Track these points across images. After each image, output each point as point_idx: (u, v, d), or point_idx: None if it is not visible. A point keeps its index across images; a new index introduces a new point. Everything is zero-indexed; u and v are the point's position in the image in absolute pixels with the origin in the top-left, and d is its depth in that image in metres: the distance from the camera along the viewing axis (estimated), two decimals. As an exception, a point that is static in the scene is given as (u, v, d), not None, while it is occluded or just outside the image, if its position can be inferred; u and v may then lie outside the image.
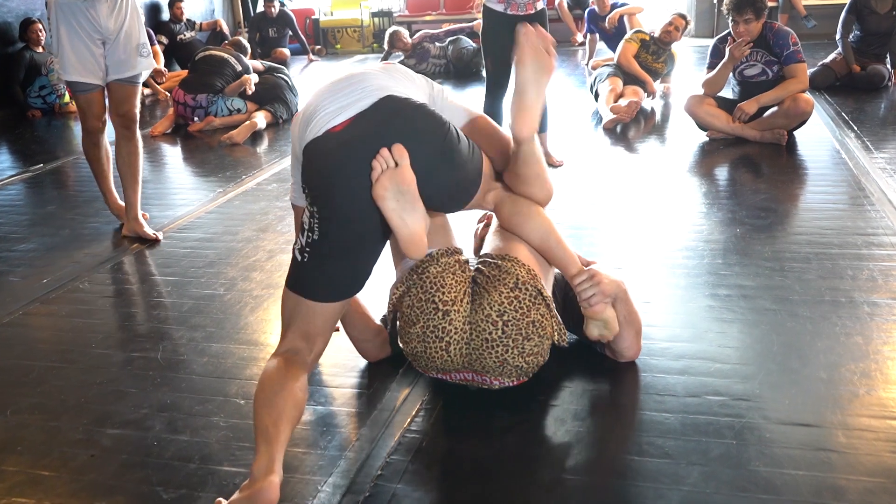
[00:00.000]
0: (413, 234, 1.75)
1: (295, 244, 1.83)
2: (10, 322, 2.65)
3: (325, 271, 1.80)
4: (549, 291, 2.01)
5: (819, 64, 6.19)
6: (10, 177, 4.76)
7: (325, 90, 1.87)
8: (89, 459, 1.89)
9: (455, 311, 1.88)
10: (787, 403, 1.97)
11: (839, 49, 6.16)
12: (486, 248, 2.07)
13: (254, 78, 5.92)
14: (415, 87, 1.92)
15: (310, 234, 1.77)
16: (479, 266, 1.97)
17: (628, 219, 3.47)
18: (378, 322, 2.26)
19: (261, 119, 5.69)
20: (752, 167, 4.31)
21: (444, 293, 1.88)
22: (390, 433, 1.94)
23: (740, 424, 1.89)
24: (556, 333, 1.96)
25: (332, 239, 1.77)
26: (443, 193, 1.87)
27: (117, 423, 2.04)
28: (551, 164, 4.35)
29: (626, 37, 5.94)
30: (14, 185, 4.60)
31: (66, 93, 6.80)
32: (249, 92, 5.87)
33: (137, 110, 3.38)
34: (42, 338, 2.30)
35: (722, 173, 4.29)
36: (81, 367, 2.31)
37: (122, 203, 3.55)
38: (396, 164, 1.69)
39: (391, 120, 1.73)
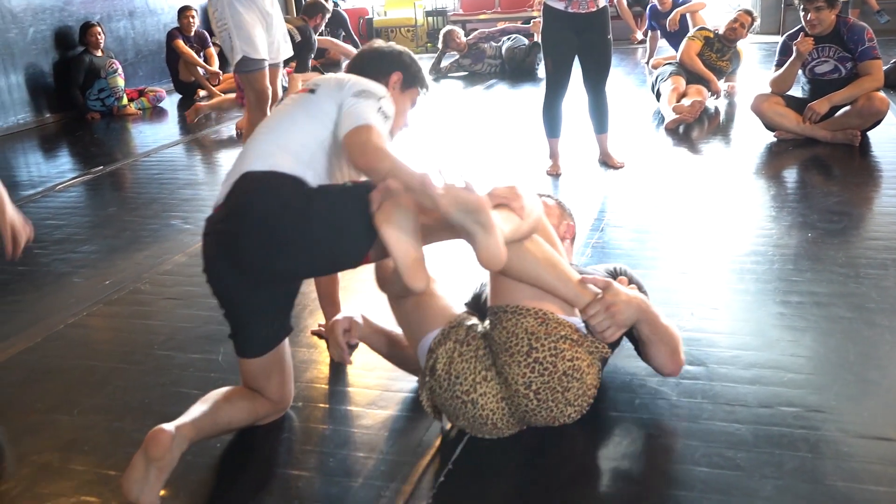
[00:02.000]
0: (415, 259, 1.64)
1: None
2: (74, 323, 2.71)
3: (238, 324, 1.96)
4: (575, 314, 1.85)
5: (893, 61, 5.95)
6: (71, 179, 4.88)
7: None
8: (152, 460, 1.91)
9: (481, 395, 1.78)
10: (865, 416, 1.88)
11: (915, 45, 5.92)
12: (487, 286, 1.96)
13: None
14: (319, 115, 1.89)
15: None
16: (491, 331, 1.82)
17: (693, 222, 3.38)
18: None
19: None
20: (824, 169, 4.16)
21: (461, 384, 1.79)
22: (454, 439, 1.91)
23: (815, 437, 1.81)
24: (594, 356, 1.82)
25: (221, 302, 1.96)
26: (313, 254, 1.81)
27: (179, 424, 2.05)
28: (612, 166, 4.28)
29: (690, 34, 5.82)
30: (75, 188, 4.72)
31: (125, 95, 6.97)
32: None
33: (280, 91, 4.02)
34: (105, 339, 2.34)
35: (791, 175, 4.15)
36: (144, 369, 2.35)
37: None
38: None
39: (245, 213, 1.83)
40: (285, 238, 1.76)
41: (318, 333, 2.49)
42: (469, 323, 1.87)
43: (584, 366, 1.79)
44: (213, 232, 1.88)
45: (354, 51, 6.13)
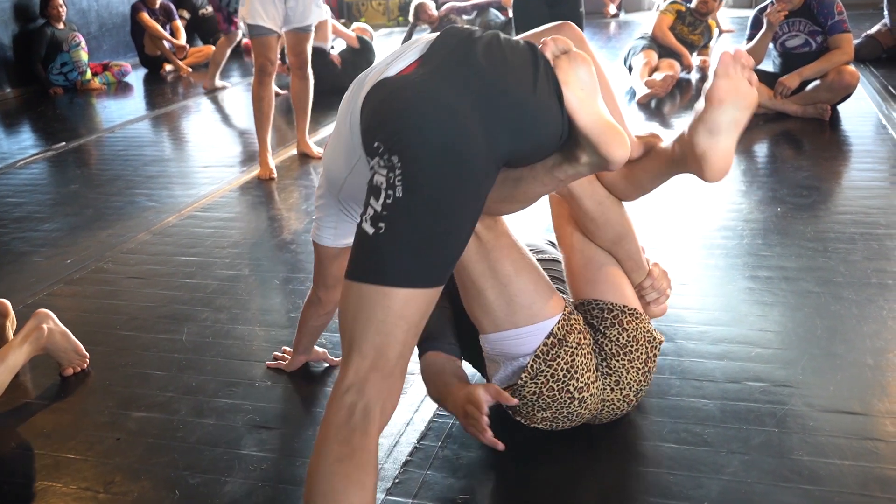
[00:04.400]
0: (612, 128, 1.30)
1: (363, 216, 1.30)
2: (34, 303, 2.64)
3: (416, 239, 1.26)
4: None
5: (864, 35, 5.97)
6: (32, 155, 4.77)
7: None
8: (115, 443, 1.87)
9: (590, 395, 1.68)
10: (831, 390, 1.89)
11: (885, 19, 5.94)
12: (573, 262, 1.81)
13: None
14: None
15: (388, 194, 1.26)
16: (601, 327, 1.72)
17: (663, 198, 3.36)
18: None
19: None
20: (794, 143, 4.18)
21: (577, 379, 1.66)
22: (420, 418, 1.89)
23: (782, 412, 1.82)
24: (656, 349, 1.77)
25: (428, 185, 1.25)
26: (533, 138, 1.34)
27: (143, 406, 2.02)
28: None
29: (661, 7, 5.78)
30: (37, 164, 4.60)
31: (88, 69, 6.80)
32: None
33: (309, 54, 3.96)
34: (66, 319, 2.28)
35: (762, 150, 4.15)
36: (106, 350, 2.30)
37: (269, 155, 4.01)
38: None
39: (469, 42, 1.33)
40: (536, 84, 1.33)
41: (280, 359, 2.19)
42: (576, 313, 1.72)
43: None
44: (432, 73, 1.35)
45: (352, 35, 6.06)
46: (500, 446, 1.57)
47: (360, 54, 6.07)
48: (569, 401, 1.66)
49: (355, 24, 6.59)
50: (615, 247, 1.77)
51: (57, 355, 2.18)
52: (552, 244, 2.10)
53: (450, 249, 1.31)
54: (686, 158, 1.44)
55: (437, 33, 1.38)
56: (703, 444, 1.73)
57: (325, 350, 2.17)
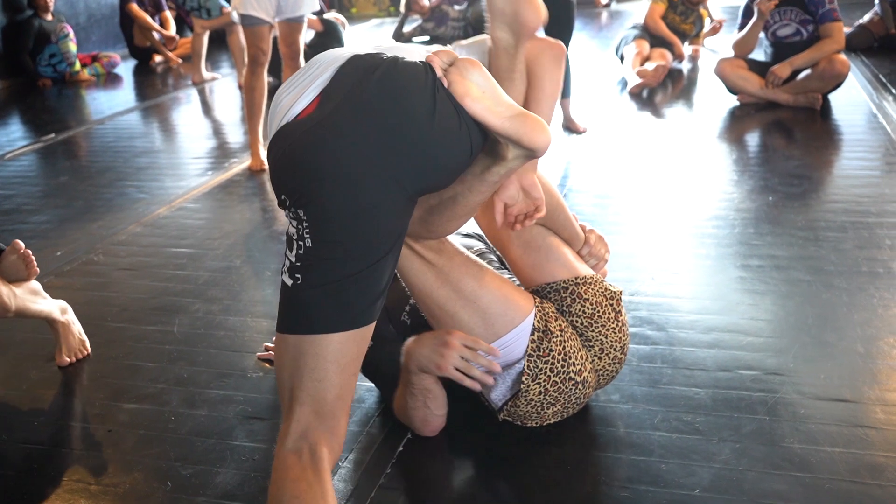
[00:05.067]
0: (527, 118, 1.30)
1: (282, 270, 1.35)
2: (27, 295, 2.63)
3: (332, 285, 1.29)
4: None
5: (856, 24, 5.99)
6: (21, 147, 4.73)
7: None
8: (106, 434, 1.87)
9: (590, 373, 1.72)
10: (822, 378, 1.90)
11: (877, 8, 5.95)
12: (515, 248, 1.79)
13: None
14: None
15: (299, 245, 1.31)
16: (564, 307, 1.73)
17: (655, 187, 3.37)
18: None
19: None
20: (785, 132, 4.18)
21: (574, 364, 1.68)
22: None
23: (773, 400, 1.82)
24: (618, 301, 1.79)
25: (334, 234, 1.29)
26: (441, 167, 1.34)
27: (134, 397, 2.01)
28: (575, 131, 4.26)
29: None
30: (26, 156, 4.57)
31: (77, 61, 6.76)
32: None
33: (302, 44, 3.95)
34: (58, 311, 2.30)
35: (753, 139, 4.16)
36: (97, 342, 2.28)
37: (260, 146, 3.95)
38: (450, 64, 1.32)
39: (365, 80, 1.29)
40: (433, 109, 1.32)
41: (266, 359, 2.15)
42: (546, 301, 1.74)
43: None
44: (330, 118, 1.33)
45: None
46: (498, 368, 1.63)
47: (326, 36, 6.03)
48: (573, 387, 1.69)
49: (331, 14, 6.56)
50: (548, 221, 1.76)
51: (65, 338, 2.19)
52: (480, 237, 2.06)
53: (370, 289, 1.32)
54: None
55: (337, 63, 1.34)
56: (694, 433, 1.73)
57: None
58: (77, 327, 2.23)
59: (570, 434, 1.76)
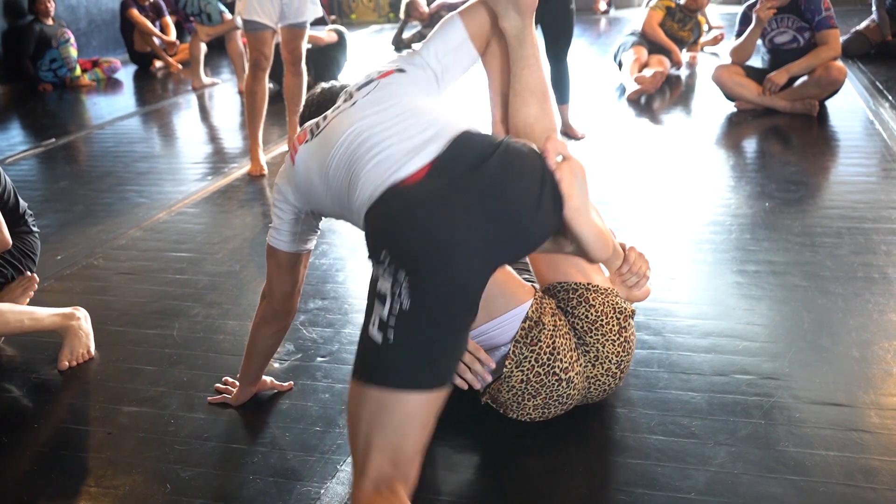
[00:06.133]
0: (602, 236, 1.42)
1: (369, 323, 1.36)
2: (27, 299, 2.64)
3: (423, 349, 1.33)
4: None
5: (852, 31, 6.02)
6: (22, 152, 4.75)
7: (347, 112, 1.54)
8: (106, 437, 1.88)
9: (576, 374, 1.72)
10: (817, 382, 1.91)
11: (873, 15, 5.98)
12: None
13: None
14: (425, 79, 1.63)
15: (396, 304, 1.32)
16: (569, 308, 1.75)
17: (653, 193, 3.39)
18: None
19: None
20: (782, 139, 4.20)
21: (561, 360, 1.70)
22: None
23: (769, 404, 1.83)
24: (628, 319, 1.79)
25: (434, 304, 1.33)
26: (529, 250, 1.46)
27: (134, 400, 2.02)
28: (573, 137, 4.27)
29: (651, 4, 5.80)
30: (26, 160, 4.59)
31: (77, 66, 6.78)
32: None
33: (304, 49, 4.00)
34: (59, 315, 2.31)
35: (750, 145, 4.18)
36: (97, 345, 2.29)
37: (260, 151, 4.03)
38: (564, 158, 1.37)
39: (485, 162, 1.35)
40: (542, 195, 1.38)
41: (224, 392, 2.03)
42: (547, 297, 1.76)
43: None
44: (446, 198, 1.38)
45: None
46: (488, 378, 1.69)
47: (339, 47, 6.07)
48: (556, 383, 1.70)
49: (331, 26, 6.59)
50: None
51: (70, 343, 2.22)
52: None
53: (454, 356, 1.39)
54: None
55: (448, 133, 1.41)
56: (690, 436, 1.74)
57: (272, 378, 2.03)
58: (84, 334, 2.26)
59: (567, 437, 1.77)
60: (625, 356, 1.78)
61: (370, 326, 1.35)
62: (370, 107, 1.52)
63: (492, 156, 1.35)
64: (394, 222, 1.34)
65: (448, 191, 1.33)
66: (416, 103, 1.52)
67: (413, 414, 1.33)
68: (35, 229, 2.57)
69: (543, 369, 1.69)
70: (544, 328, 1.69)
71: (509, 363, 1.69)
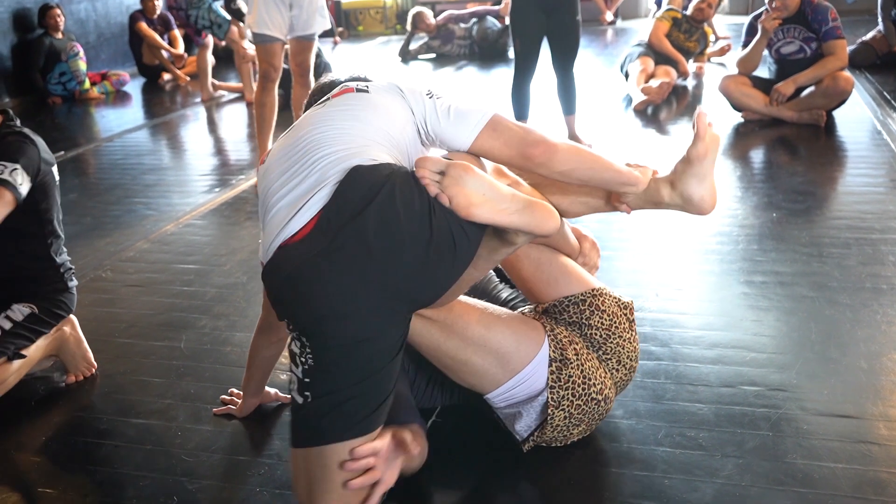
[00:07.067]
0: (534, 208, 1.38)
1: (291, 385, 1.42)
2: (36, 311, 2.65)
3: (339, 401, 1.37)
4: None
5: (859, 41, 6.01)
6: (37, 165, 4.77)
7: (275, 153, 1.53)
8: (114, 450, 1.88)
9: (608, 389, 1.72)
10: (825, 394, 1.90)
11: (880, 26, 5.98)
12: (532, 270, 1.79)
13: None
14: (395, 107, 1.57)
15: (303, 362, 1.39)
16: (583, 320, 1.73)
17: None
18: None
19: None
20: (789, 149, 4.19)
21: (594, 384, 1.68)
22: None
23: (777, 415, 1.83)
24: (630, 310, 1.81)
25: (336, 360, 1.37)
26: (442, 285, 1.41)
27: (141, 413, 2.02)
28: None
29: (658, 14, 5.82)
30: (41, 174, 4.60)
31: (86, 79, 6.83)
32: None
33: (312, 62, 4.03)
34: (67, 327, 2.32)
35: (757, 156, 4.17)
36: (105, 357, 2.30)
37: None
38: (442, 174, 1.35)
39: (364, 213, 1.31)
40: (430, 239, 1.37)
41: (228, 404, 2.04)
42: (553, 323, 1.73)
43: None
44: (326, 258, 1.37)
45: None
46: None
47: None
48: (595, 406, 1.70)
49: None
50: (552, 241, 1.79)
51: (66, 359, 2.21)
52: None
53: (375, 398, 1.41)
54: (679, 205, 1.78)
55: (335, 175, 1.37)
56: (697, 448, 1.74)
57: (276, 390, 2.04)
58: (75, 339, 2.22)
59: (574, 450, 1.77)
60: (638, 348, 1.80)
61: (292, 390, 1.42)
62: (293, 132, 1.55)
63: (372, 202, 1.32)
64: (286, 293, 1.36)
65: (332, 252, 1.31)
66: (328, 133, 1.47)
67: (333, 466, 1.39)
68: (71, 283, 2.29)
69: (581, 400, 1.68)
70: (571, 363, 1.66)
71: (551, 409, 1.66)
